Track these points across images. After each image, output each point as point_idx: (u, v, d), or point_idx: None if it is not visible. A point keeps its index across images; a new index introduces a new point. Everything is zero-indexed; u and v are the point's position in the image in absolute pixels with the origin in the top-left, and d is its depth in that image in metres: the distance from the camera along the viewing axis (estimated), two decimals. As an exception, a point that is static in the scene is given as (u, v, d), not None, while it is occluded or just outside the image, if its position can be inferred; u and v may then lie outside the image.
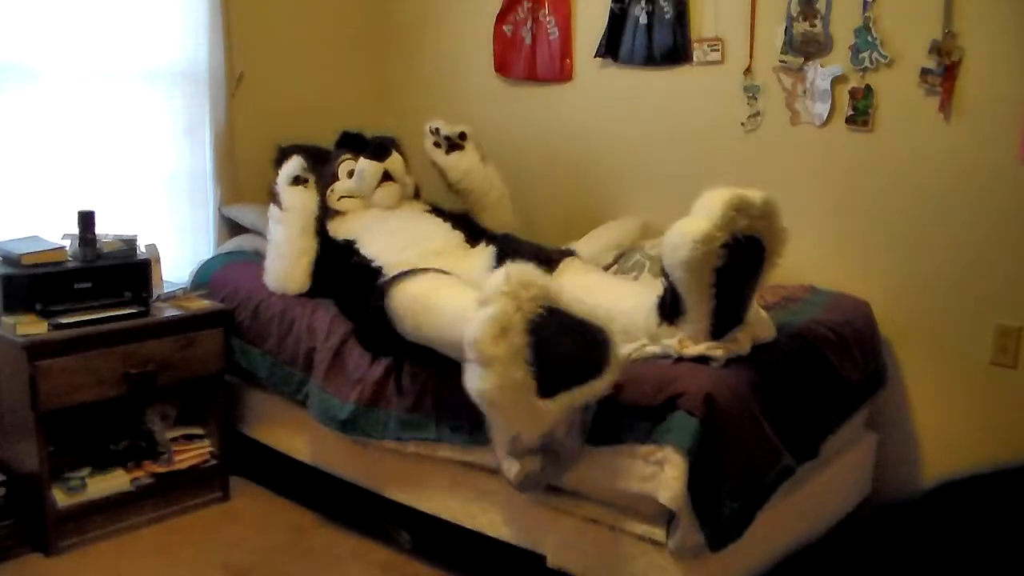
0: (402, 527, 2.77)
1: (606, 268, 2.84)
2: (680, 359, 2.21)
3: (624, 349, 2.27)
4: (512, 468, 2.26)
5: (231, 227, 3.64)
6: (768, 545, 2.35)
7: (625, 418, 2.15)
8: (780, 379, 2.27)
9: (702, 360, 2.19)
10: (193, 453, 3.07)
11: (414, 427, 2.51)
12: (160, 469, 3.00)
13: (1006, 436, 2.65)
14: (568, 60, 3.46)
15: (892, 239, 2.81)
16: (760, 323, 2.32)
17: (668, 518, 2.12)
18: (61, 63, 3.13)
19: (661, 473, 2.08)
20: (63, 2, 3.10)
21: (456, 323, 2.18)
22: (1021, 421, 2.63)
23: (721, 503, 2.07)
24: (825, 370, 2.45)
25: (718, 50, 3.07)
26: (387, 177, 3.12)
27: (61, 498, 2.79)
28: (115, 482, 2.90)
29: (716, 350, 2.19)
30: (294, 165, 3.04)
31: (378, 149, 3.15)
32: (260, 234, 3.45)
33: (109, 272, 2.90)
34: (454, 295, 2.35)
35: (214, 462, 3.10)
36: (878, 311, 2.76)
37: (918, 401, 2.84)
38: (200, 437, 3.11)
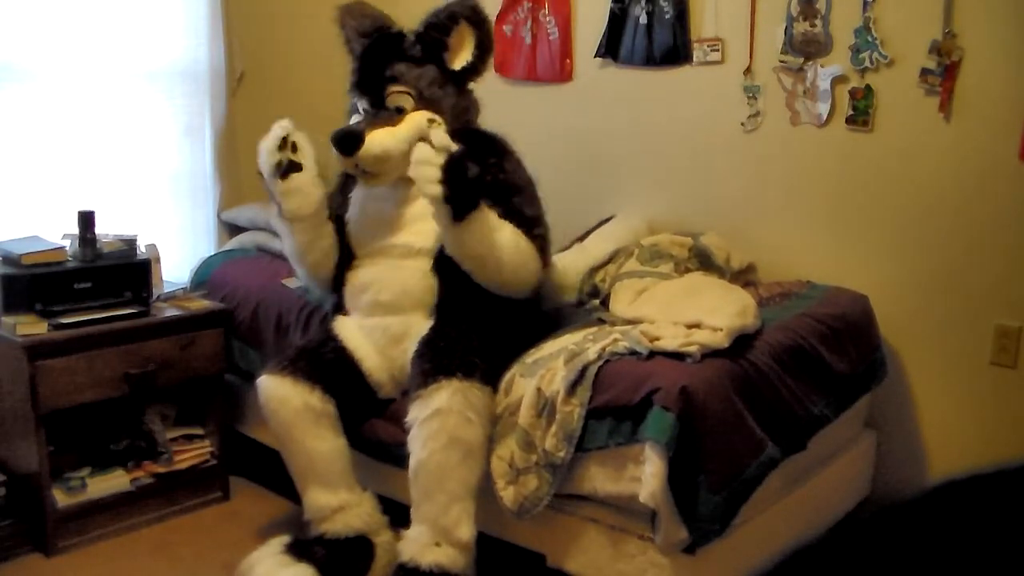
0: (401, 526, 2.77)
1: (601, 266, 2.83)
2: (652, 354, 2.21)
3: (593, 347, 2.28)
4: (507, 493, 2.28)
5: (232, 227, 3.64)
6: (767, 545, 2.36)
7: (608, 420, 2.16)
8: (764, 371, 2.26)
9: (677, 356, 2.19)
10: (193, 453, 3.07)
11: None
12: (160, 469, 3.00)
13: (1006, 436, 2.65)
14: (568, 60, 3.46)
15: (892, 239, 2.81)
16: (739, 314, 2.31)
17: (652, 515, 2.12)
18: (62, 63, 3.13)
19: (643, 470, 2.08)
20: (64, 2, 3.10)
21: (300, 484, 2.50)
22: (1021, 421, 2.63)
23: (703, 497, 2.07)
24: (815, 362, 2.44)
25: (718, 50, 3.07)
26: (365, 171, 2.55)
27: (61, 498, 2.79)
28: (115, 482, 2.91)
29: (690, 346, 2.19)
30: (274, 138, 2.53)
31: (343, 140, 2.49)
32: (261, 230, 3.45)
33: (109, 272, 2.90)
34: (303, 460, 2.48)
35: (214, 462, 3.11)
36: (878, 311, 2.76)
37: (918, 401, 2.84)
38: (200, 437, 3.12)
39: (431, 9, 2.63)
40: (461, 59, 2.62)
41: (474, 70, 2.65)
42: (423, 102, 2.57)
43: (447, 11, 2.59)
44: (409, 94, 2.56)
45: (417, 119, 2.53)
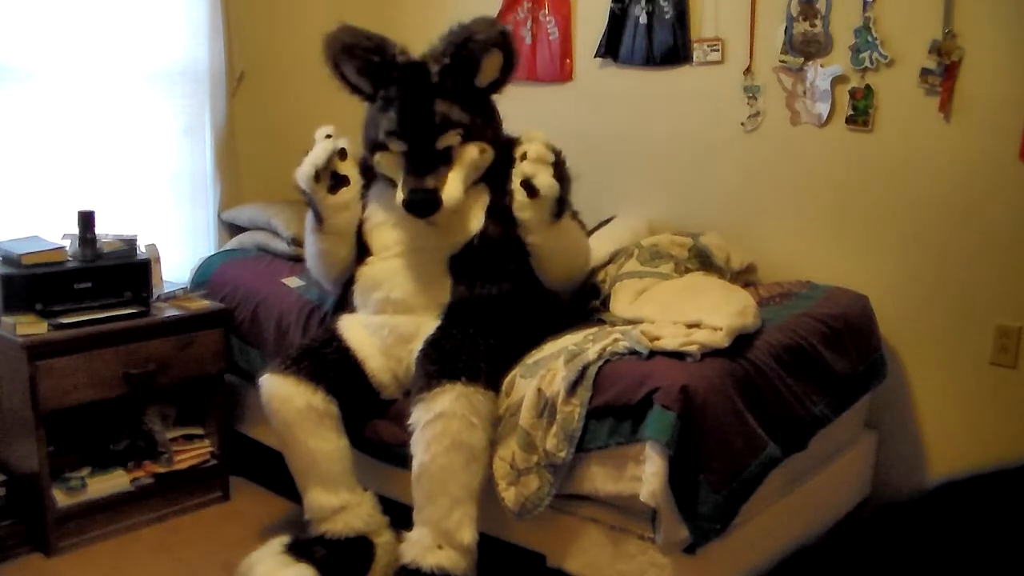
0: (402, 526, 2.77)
1: (601, 267, 2.83)
2: (652, 354, 2.21)
3: (594, 348, 2.28)
4: (508, 494, 2.29)
5: (232, 227, 3.64)
6: (767, 545, 2.36)
7: (609, 420, 2.16)
8: (764, 370, 2.26)
9: (678, 356, 2.19)
10: (193, 453, 3.08)
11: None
12: (160, 469, 3.00)
13: (1006, 436, 2.65)
14: (568, 60, 3.46)
15: (892, 240, 2.81)
16: (739, 314, 2.31)
17: (652, 515, 2.12)
18: (62, 63, 3.13)
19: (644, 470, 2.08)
20: (64, 2, 3.10)
21: (301, 484, 2.48)
22: (1021, 421, 2.64)
23: (703, 496, 2.07)
24: (815, 362, 2.44)
25: (718, 50, 3.07)
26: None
27: (61, 498, 2.79)
28: (115, 482, 2.91)
29: (690, 345, 2.19)
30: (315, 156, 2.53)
31: (423, 208, 2.45)
32: (261, 230, 3.45)
33: (109, 272, 2.90)
34: (305, 459, 2.46)
35: (214, 462, 3.11)
36: (878, 311, 2.76)
37: (918, 401, 2.84)
38: (200, 437, 3.12)
39: (453, 33, 2.53)
40: (488, 77, 2.57)
41: (501, 83, 2.61)
42: (468, 136, 2.52)
43: (476, 41, 2.48)
44: (459, 133, 2.51)
45: (472, 156, 2.52)
